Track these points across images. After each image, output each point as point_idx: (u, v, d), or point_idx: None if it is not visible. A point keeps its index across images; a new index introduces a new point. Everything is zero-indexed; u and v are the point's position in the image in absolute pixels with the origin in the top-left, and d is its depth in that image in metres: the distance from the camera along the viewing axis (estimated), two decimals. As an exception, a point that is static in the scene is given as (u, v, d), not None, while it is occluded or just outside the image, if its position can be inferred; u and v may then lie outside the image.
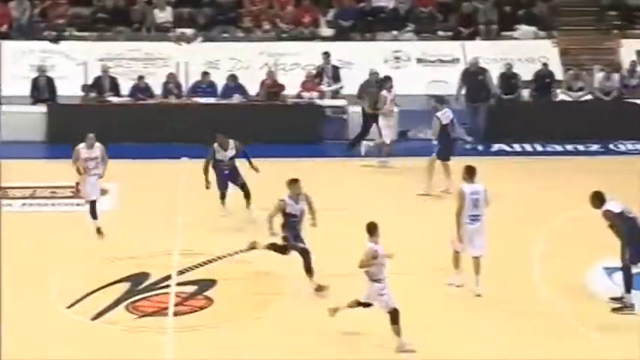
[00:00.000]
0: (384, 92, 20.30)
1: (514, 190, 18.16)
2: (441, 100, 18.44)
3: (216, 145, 16.71)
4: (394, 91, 20.47)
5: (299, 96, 22.75)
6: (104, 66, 23.29)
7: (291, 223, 13.91)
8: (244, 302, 13.80)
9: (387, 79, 20.71)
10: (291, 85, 22.94)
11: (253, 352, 12.40)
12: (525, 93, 22.47)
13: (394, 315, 12.10)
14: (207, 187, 16.54)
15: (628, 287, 13.42)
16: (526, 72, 22.74)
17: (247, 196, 16.75)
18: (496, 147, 21.43)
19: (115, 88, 22.88)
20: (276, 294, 14.09)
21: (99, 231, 15.83)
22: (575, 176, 18.94)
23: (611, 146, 21.14)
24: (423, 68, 24.30)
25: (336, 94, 23.24)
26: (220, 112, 21.99)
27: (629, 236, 13.28)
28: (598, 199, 13.43)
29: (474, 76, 21.85)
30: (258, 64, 23.81)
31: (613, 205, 13.42)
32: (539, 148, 21.31)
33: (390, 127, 20.25)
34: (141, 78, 22.90)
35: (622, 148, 21.31)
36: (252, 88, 22.84)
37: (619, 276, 14.37)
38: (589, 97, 22.18)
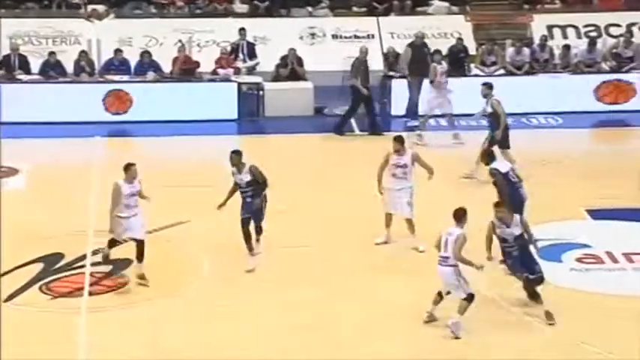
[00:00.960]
0: (434, 64, 20.24)
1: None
2: (490, 86, 17.65)
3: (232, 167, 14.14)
4: (445, 64, 20.36)
5: (214, 73, 22.58)
6: (13, 44, 22.78)
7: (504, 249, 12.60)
8: (161, 281, 13.65)
9: (437, 52, 20.83)
10: (207, 62, 22.74)
11: (170, 331, 12.30)
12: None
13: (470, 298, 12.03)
14: (218, 208, 14.02)
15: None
16: (440, 47, 22.84)
17: (258, 232, 14.24)
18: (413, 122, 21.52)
19: (24, 67, 22.39)
20: (193, 273, 13.99)
21: (142, 277, 13.39)
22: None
23: (524, 120, 21.40)
24: (339, 44, 24.32)
25: (251, 71, 23.12)
26: (134, 90, 21.78)
27: (510, 198, 13.60)
28: (488, 156, 14.06)
29: (420, 50, 21.85)
30: (172, 40, 23.56)
31: (501, 165, 13.85)
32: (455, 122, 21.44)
33: (442, 97, 19.92)
34: (52, 54, 22.44)
35: (534, 122, 21.60)
36: (167, 66, 22.59)
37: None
38: (502, 71, 22.42)
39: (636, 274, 13.92)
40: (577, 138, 20.70)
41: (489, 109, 17.37)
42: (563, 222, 15.63)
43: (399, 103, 21.65)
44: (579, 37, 24.09)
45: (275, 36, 23.94)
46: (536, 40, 23.37)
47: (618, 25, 24.29)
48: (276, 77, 22.79)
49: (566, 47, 22.94)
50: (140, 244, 13.31)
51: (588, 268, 14.23)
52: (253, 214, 13.99)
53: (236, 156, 14.03)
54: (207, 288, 13.53)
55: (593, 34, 24.08)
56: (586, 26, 24.48)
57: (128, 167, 13.35)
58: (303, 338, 12.02)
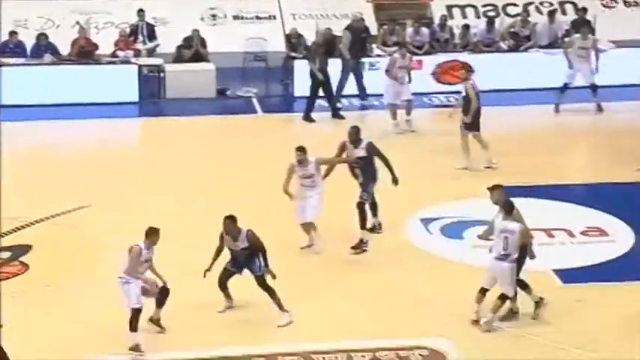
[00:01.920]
0: (395, 55, 19.77)
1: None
2: (471, 69, 17.37)
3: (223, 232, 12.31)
4: (409, 58, 19.84)
5: (114, 55, 22.23)
6: None
7: None
8: (61, 267, 13.44)
9: (403, 46, 20.44)
10: (105, 44, 22.38)
11: (69, 317, 12.16)
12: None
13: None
14: (204, 275, 12.20)
15: (364, 224, 14.13)
16: (341, 27, 22.86)
17: (272, 296, 12.25)
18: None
19: None
20: (97, 259, 13.78)
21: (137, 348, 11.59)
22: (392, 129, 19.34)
23: (425, 99, 21.54)
24: (240, 25, 24.16)
25: (152, 53, 22.83)
26: (30, 73, 21.32)
27: (371, 176, 14.12)
28: (357, 133, 14.31)
29: (358, 32, 21.76)
30: (70, 22, 23.11)
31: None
32: (355, 103, 21.55)
33: (396, 92, 19.22)
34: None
35: (435, 101, 21.79)
36: (64, 48, 22.16)
37: (435, 225, 14.89)
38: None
39: (537, 249, 14.16)
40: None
41: (463, 93, 17.20)
42: (465, 199, 15.83)
43: (301, 84, 21.63)
44: (478, 17, 24.37)
45: (175, 17, 23.66)
46: (437, 20, 23.55)
47: (515, 5, 24.66)
48: (178, 59, 22.55)
49: (466, 27, 23.20)
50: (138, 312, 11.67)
51: (490, 244, 14.42)
52: (248, 267, 12.29)
53: (230, 222, 12.15)
54: (110, 273, 13.30)
55: (492, 13, 24.39)
56: (484, 6, 24.77)
57: (155, 232, 11.75)
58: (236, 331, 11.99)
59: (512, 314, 12.11)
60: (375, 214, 14.54)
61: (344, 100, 20.95)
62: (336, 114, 20.44)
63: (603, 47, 22.18)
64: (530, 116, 20.61)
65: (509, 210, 11.96)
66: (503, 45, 23.04)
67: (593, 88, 20.71)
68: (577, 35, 21.21)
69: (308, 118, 20.39)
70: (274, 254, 12.61)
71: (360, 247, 14.06)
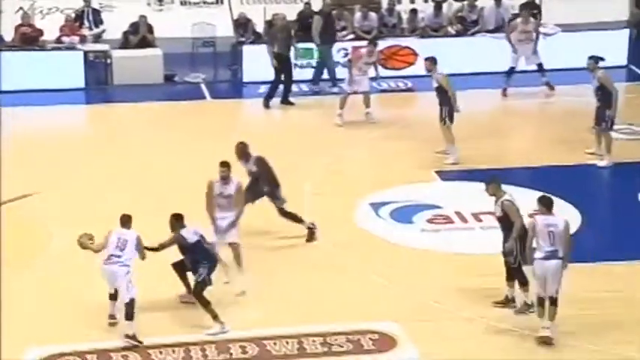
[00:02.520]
0: (362, 51, 19.46)
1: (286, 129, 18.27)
2: (434, 60, 16.86)
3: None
4: (377, 52, 19.43)
5: (59, 41, 21.95)
6: None
7: None
8: (7, 254, 13.25)
9: (373, 40, 19.95)
10: (50, 30, 22.08)
11: (26, 297, 12.09)
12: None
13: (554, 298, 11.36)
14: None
15: (299, 219, 13.88)
16: (289, 12, 22.78)
17: (200, 299, 11.79)
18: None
19: None
20: (42, 247, 13.66)
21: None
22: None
23: (374, 84, 21.52)
24: (187, 10, 23.97)
25: (98, 39, 22.58)
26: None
27: (271, 184, 13.69)
28: (244, 149, 13.54)
29: (329, 17, 21.62)
30: (13, 8, 22.75)
31: None
32: (305, 88, 21.49)
33: (358, 81, 18.80)
34: None
35: (384, 85, 21.79)
36: (8, 34, 21.83)
37: (385, 210, 14.91)
38: (351, 36, 22.52)
39: (484, 232, 14.26)
40: (426, 101, 21.01)
41: (435, 84, 16.86)
42: (414, 184, 15.89)
43: (250, 70, 21.54)
44: (426, 1, 24.35)
45: (121, 2, 23.38)
46: (385, 5, 23.53)
47: (462, -11, 24.69)
48: (124, 44, 22.33)
49: (413, 11, 23.22)
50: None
51: (439, 228, 14.51)
52: (192, 268, 11.88)
53: (176, 222, 11.77)
54: (54, 261, 13.19)
55: (439, -2, 24.38)
56: (432, -10, 24.75)
57: (130, 218, 11.73)
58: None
59: (527, 307, 11.92)
60: (300, 220, 13.89)
61: (294, 87, 20.79)
62: (285, 100, 20.36)
63: (550, 31, 22.36)
64: (478, 100, 20.68)
65: (548, 205, 11.61)
66: (450, 29, 23.08)
67: (540, 68, 20.89)
68: (518, 20, 21.38)
69: (285, 101, 20.22)
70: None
71: (312, 235, 13.89)
